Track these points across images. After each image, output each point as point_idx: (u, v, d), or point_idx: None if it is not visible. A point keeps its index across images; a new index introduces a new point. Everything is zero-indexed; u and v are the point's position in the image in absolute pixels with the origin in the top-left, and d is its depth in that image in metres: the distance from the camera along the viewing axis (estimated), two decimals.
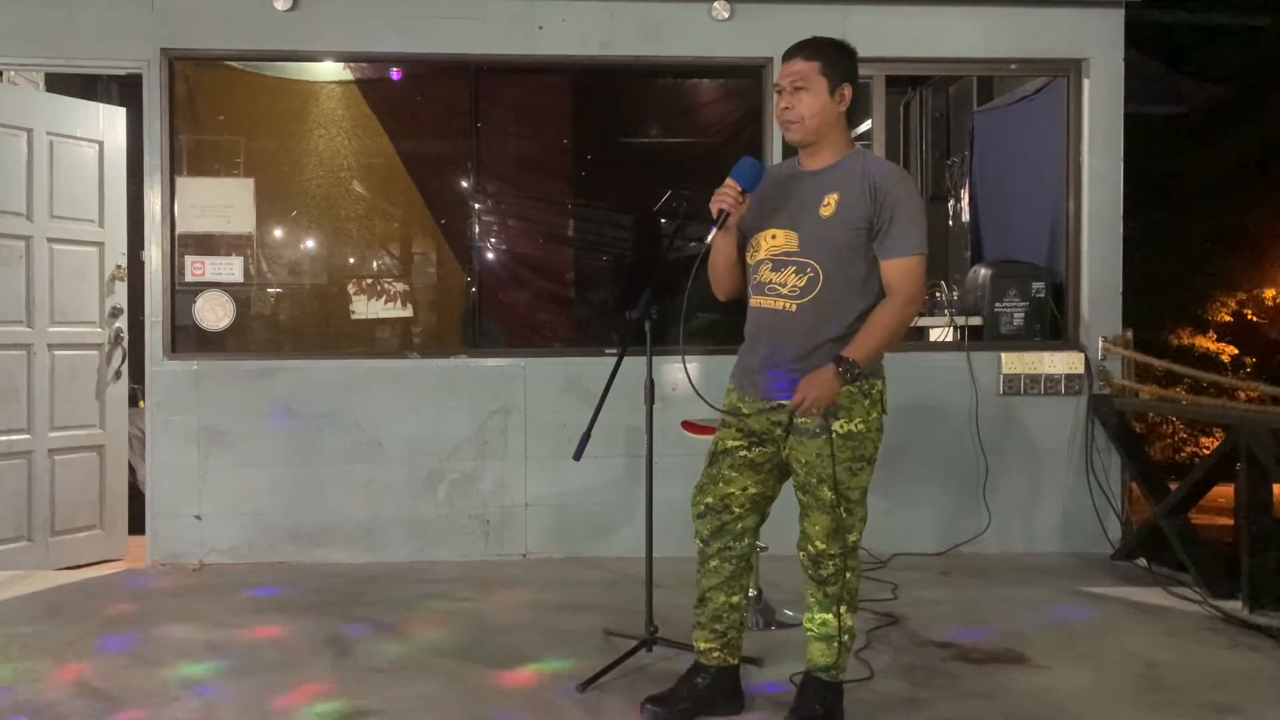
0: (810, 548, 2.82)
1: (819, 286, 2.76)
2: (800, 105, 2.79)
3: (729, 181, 2.78)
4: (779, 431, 2.82)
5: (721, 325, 5.05)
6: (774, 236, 2.83)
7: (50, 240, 4.89)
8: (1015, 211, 5.73)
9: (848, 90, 2.82)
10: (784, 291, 2.80)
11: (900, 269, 2.74)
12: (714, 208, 2.78)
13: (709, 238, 2.82)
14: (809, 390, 2.65)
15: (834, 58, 2.82)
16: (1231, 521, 6.06)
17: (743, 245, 2.92)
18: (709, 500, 2.91)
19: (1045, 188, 5.41)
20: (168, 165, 4.89)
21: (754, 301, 2.89)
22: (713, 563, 2.92)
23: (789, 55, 2.85)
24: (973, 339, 5.26)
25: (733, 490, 2.88)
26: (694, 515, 2.94)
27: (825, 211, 2.77)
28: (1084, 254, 5.18)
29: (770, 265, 2.83)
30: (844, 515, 2.78)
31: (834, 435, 2.74)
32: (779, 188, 2.89)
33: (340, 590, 4.37)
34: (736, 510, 2.88)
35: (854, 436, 2.76)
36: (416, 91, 5.29)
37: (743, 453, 2.87)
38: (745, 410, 2.88)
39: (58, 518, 4.92)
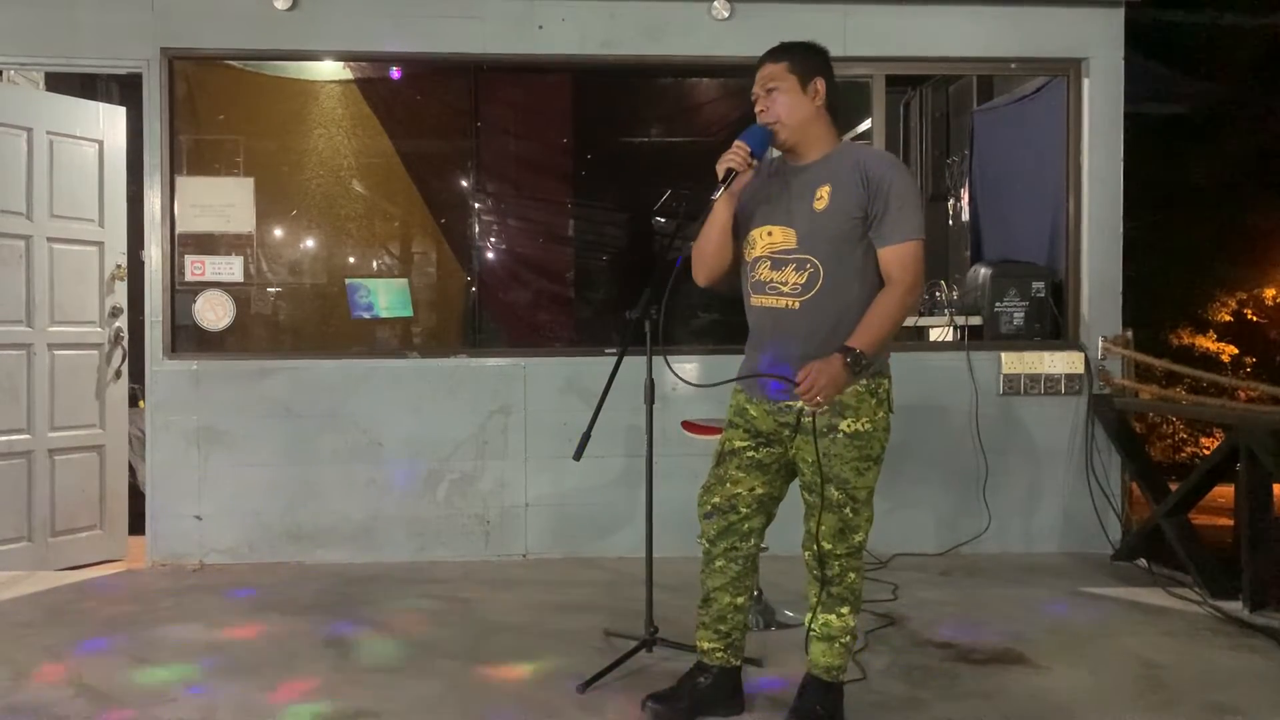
0: (816, 547, 2.81)
1: (820, 282, 2.75)
2: (775, 105, 2.81)
3: (738, 143, 2.78)
4: (786, 432, 2.82)
5: (722, 325, 5.07)
6: (770, 233, 2.83)
7: (50, 240, 4.88)
8: (1015, 211, 5.73)
9: (821, 84, 2.82)
10: (786, 290, 2.79)
11: (897, 256, 2.72)
12: (721, 167, 2.78)
13: (715, 195, 2.80)
14: (817, 378, 2.59)
15: (800, 55, 2.84)
16: (1231, 521, 6.06)
17: (737, 242, 2.92)
18: (716, 500, 2.90)
19: (1045, 187, 5.41)
20: (168, 165, 4.89)
21: (755, 301, 2.88)
22: (718, 563, 2.92)
23: (759, 65, 2.87)
24: (973, 339, 5.26)
25: (740, 490, 2.87)
26: (700, 515, 2.94)
27: (819, 205, 2.76)
28: (1084, 253, 5.18)
29: (769, 263, 2.83)
30: (850, 515, 2.78)
31: (840, 435, 2.74)
32: (771, 183, 2.88)
33: (340, 590, 4.37)
34: (743, 510, 2.88)
35: (861, 436, 2.75)
36: (416, 91, 5.29)
37: (750, 453, 2.87)
38: (753, 412, 2.88)
39: (58, 518, 4.91)
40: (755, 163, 2.81)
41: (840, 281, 2.75)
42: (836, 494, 2.76)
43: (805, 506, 2.86)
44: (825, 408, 2.69)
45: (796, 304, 2.78)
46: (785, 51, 2.86)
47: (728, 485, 2.88)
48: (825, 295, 2.75)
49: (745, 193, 2.90)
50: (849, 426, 2.74)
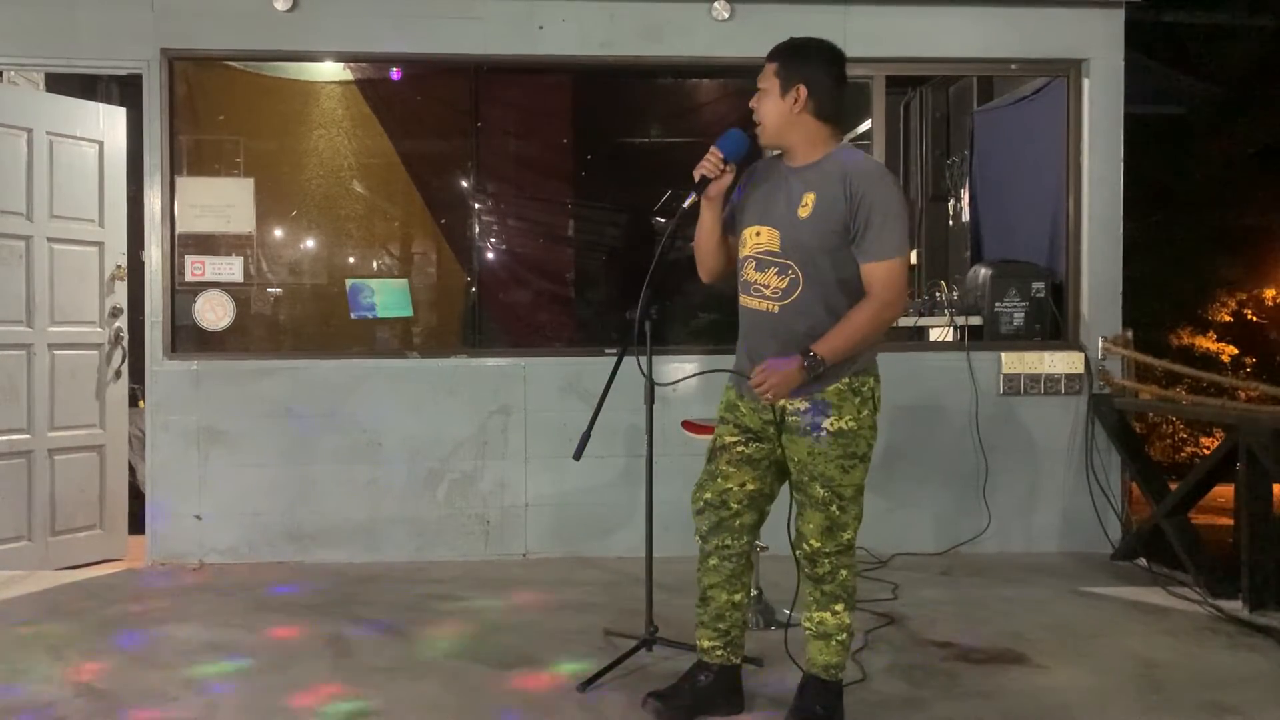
0: (805, 546, 2.82)
1: (799, 289, 2.76)
2: (760, 108, 2.85)
3: (712, 149, 2.83)
4: (771, 430, 2.83)
5: (722, 325, 5.06)
6: (758, 233, 2.84)
7: (50, 240, 4.89)
8: (1015, 211, 5.73)
9: (802, 91, 2.78)
10: (767, 293, 2.81)
11: (877, 273, 2.72)
12: (696, 174, 2.84)
13: (685, 203, 2.87)
14: (769, 375, 2.65)
15: (788, 59, 2.83)
16: (1231, 521, 6.05)
17: (734, 239, 2.94)
18: (708, 496, 2.90)
19: (1045, 188, 5.41)
20: (168, 165, 4.89)
21: (742, 301, 2.91)
22: (712, 561, 2.92)
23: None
24: (973, 339, 5.26)
25: (730, 486, 2.87)
26: (693, 512, 2.94)
27: (803, 213, 2.76)
28: (1084, 254, 5.18)
29: (754, 264, 2.84)
30: (837, 513, 2.78)
31: (824, 433, 2.74)
32: (767, 182, 2.89)
33: (340, 590, 4.37)
34: (734, 506, 2.88)
35: (845, 434, 2.75)
36: (416, 91, 5.29)
37: (740, 448, 2.87)
38: (742, 409, 2.88)
39: (58, 518, 4.92)
40: (728, 168, 2.83)
41: (819, 289, 2.75)
42: (823, 492, 2.76)
43: (795, 506, 2.86)
44: (778, 402, 2.73)
45: (775, 308, 2.79)
46: (778, 52, 2.86)
47: (719, 480, 2.89)
48: (803, 302, 2.75)
49: (745, 187, 2.92)
50: (833, 425, 2.74)
